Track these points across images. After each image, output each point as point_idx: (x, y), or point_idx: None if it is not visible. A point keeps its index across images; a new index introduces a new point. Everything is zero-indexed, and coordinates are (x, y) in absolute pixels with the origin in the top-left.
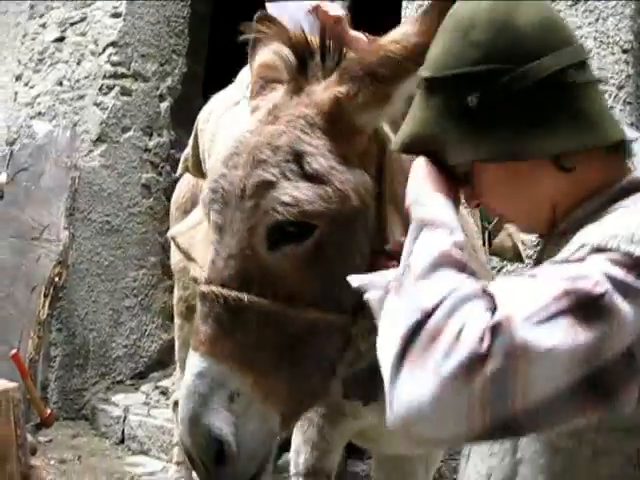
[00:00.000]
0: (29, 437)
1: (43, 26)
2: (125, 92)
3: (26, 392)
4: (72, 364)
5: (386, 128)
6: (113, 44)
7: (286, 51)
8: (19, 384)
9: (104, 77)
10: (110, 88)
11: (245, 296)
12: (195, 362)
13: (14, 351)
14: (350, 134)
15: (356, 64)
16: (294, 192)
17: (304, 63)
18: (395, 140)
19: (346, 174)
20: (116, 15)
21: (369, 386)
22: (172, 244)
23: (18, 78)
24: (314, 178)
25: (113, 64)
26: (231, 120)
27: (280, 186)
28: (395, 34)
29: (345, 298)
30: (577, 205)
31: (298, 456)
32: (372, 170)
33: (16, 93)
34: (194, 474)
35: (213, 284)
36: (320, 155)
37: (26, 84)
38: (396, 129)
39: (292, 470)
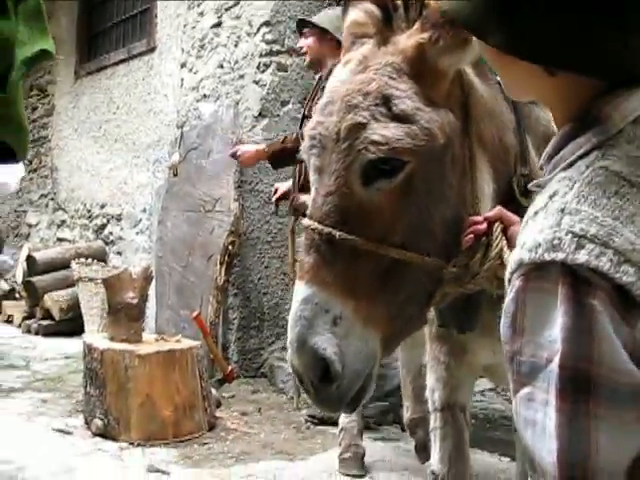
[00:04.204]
0: (214, 391)
1: (201, 14)
2: (281, 68)
3: (209, 350)
4: (249, 326)
5: (469, 71)
6: (266, 24)
7: (373, 7)
8: (201, 343)
9: (260, 55)
10: (267, 65)
11: (337, 233)
12: (301, 289)
13: (195, 313)
14: (434, 77)
15: (436, 12)
16: (383, 131)
17: (389, 17)
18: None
19: (431, 114)
20: None
21: (463, 316)
22: None
23: (183, 65)
24: (402, 118)
25: (268, 42)
26: None
27: (371, 127)
28: None
29: (436, 241)
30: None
31: (433, 394)
32: (457, 111)
33: (182, 79)
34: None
35: (314, 219)
36: (406, 97)
37: (190, 70)
38: (478, 72)
39: (430, 407)
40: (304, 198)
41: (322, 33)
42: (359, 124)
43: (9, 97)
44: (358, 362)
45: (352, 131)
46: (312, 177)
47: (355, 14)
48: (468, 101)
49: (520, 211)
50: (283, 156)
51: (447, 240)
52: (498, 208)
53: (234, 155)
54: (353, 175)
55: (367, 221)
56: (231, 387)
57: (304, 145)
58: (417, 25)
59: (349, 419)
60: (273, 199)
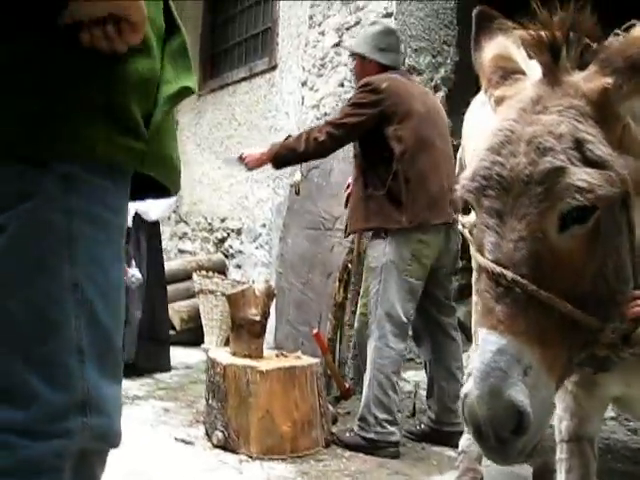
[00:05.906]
0: (330, 408)
1: (322, 34)
2: None
3: (326, 367)
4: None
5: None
6: None
7: (535, 44)
8: (320, 360)
9: None
10: None
11: (532, 287)
12: (493, 339)
13: (315, 330)
14: (614, 122)
15: (617, 56)
16: (586, 177)
17: (557, 56)
18: None
19: (620, 160)
20: (387, 15)
21: (600, 357)
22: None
23: (304, 84)
24: (597, 164)
25: None
26: (481, 117)
27: (571, 172)
28: None
29: (601, 296)
30: None
31: (560, 423)
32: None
33: (303, 97)
34: None
35: (503, 266)
36: (599, 142)
37: (311, 88)
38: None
39: (556, 437)
40: None
41: (362, 58)
42: (558, 168)
43: (155, 136)
44: (544, 412)
45: (550, 175)
46: (487, 219)
47: (498, 47)
48: (629, 144)
49: None
50: (283, 155)
51: (609, 297)
52: None
53: (240, 159)
54: (549, 220)
55: (558, 268)
56: (347, 404)
57: (468, 185)
58: (595, 67)
59: (470, 442)
60: (345, 194)
